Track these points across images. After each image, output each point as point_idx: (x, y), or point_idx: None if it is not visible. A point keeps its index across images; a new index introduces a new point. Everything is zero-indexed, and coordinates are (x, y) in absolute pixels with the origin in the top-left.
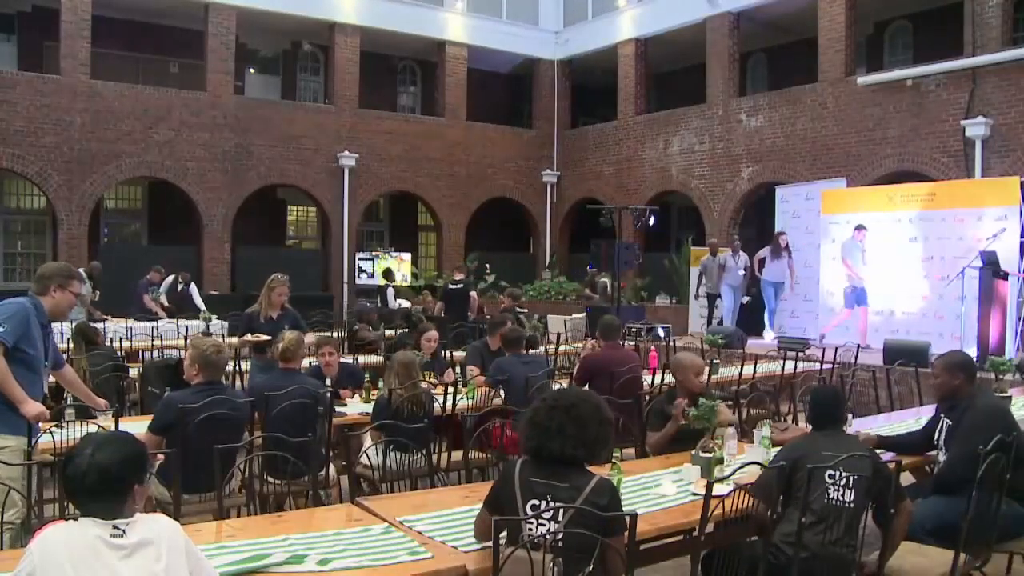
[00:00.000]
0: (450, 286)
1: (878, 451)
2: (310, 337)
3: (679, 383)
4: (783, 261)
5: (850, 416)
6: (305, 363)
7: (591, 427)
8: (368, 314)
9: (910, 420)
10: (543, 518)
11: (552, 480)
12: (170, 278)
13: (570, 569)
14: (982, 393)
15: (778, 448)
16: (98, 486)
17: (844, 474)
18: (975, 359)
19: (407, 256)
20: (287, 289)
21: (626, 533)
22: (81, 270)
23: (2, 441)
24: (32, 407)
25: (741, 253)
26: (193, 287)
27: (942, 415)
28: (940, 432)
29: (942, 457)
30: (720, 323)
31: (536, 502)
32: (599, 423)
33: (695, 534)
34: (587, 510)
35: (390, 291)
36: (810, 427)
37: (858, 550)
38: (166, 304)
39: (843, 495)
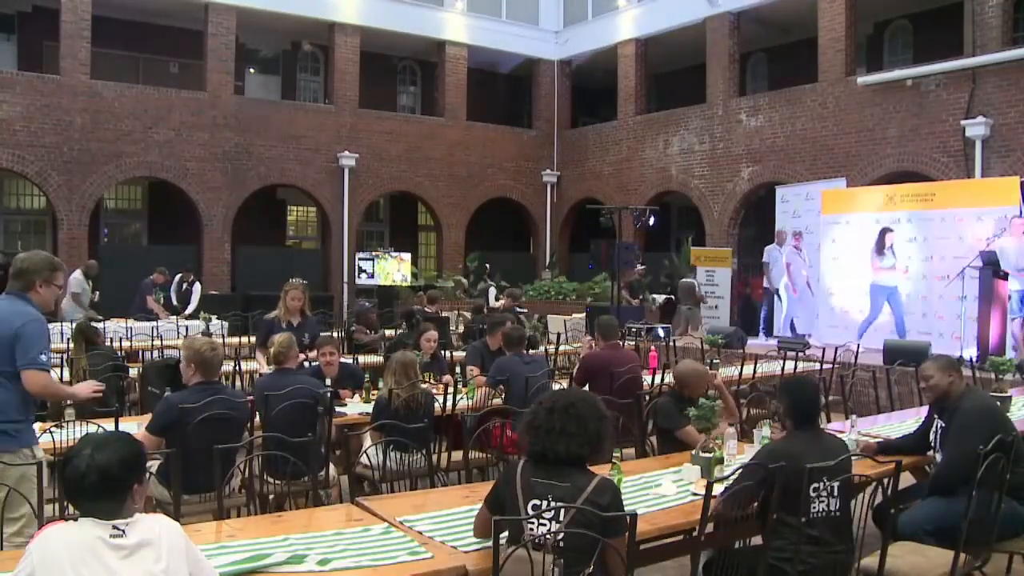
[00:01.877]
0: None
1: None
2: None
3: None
4: (892, 261)
5: (854, 416)
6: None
7: (592, 424)
8: (367, 314)
9: (910, 420)
10: (544, 518)
11: (553, 480)
12: (177, 277)
13: (571, 569)
14: (970, 392)
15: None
16: (97, 487)
17: (828, 483)
18: (975, 359)
19: (407, 256)
20: (300, 293)
21: (627, 533)
22: (79, 270)
23: (39, 452)
24: (82, 387)
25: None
26: (197, 286)
27: (935, 416)
28: (935, 434)
29: (939, 458)
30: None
31: (537, 502)
32: (598, 419)
33: (695, 534)
34: (588, 510)
35: (492, 291)
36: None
37: (857, 550)
38: (175, 303)
39: (828, 504)
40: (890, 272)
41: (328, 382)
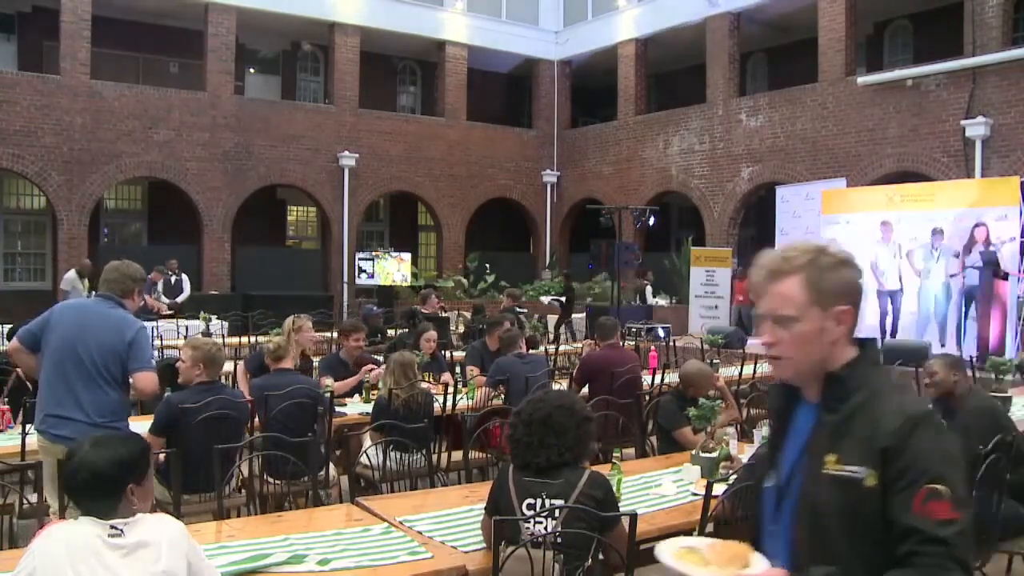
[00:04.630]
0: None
1: None
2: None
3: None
4: (978, 258)
5: None
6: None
7: (571, 433)
8: (375, 319)
9: None
10: (540, 516)
11: (546, 479)
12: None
13: (571, 564)
14: (971, 394)
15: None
16: (89, 484)
17: None
18: (975, 359)
19: (407, 256)
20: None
21: (624, 524)
22: (73, 270)
23: None
24: None
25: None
26: (184, 277)
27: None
28: None
29: None
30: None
31: (532, 501)
32: (577, 425)
33: (695, 534)
34: (583, 507)
35: (648, 289)
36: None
37: None
38: (166, 302)
39: None
40: (972, 270)
41: (326, 384)
